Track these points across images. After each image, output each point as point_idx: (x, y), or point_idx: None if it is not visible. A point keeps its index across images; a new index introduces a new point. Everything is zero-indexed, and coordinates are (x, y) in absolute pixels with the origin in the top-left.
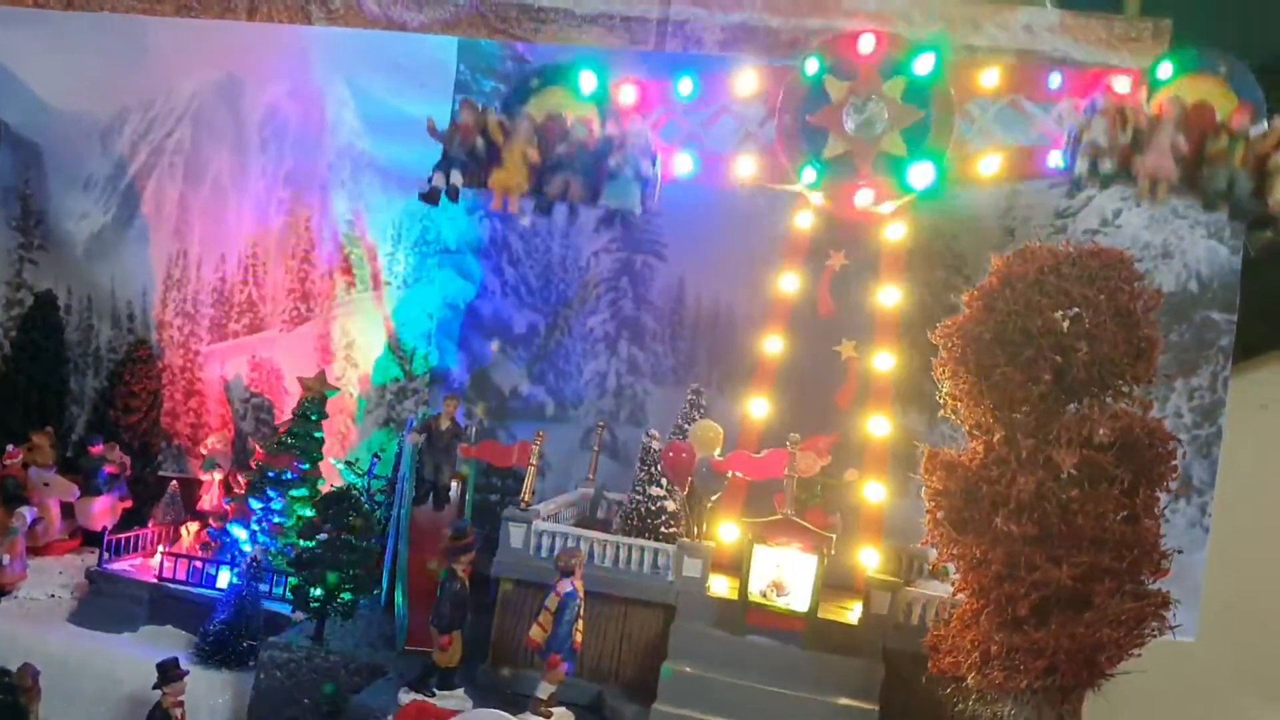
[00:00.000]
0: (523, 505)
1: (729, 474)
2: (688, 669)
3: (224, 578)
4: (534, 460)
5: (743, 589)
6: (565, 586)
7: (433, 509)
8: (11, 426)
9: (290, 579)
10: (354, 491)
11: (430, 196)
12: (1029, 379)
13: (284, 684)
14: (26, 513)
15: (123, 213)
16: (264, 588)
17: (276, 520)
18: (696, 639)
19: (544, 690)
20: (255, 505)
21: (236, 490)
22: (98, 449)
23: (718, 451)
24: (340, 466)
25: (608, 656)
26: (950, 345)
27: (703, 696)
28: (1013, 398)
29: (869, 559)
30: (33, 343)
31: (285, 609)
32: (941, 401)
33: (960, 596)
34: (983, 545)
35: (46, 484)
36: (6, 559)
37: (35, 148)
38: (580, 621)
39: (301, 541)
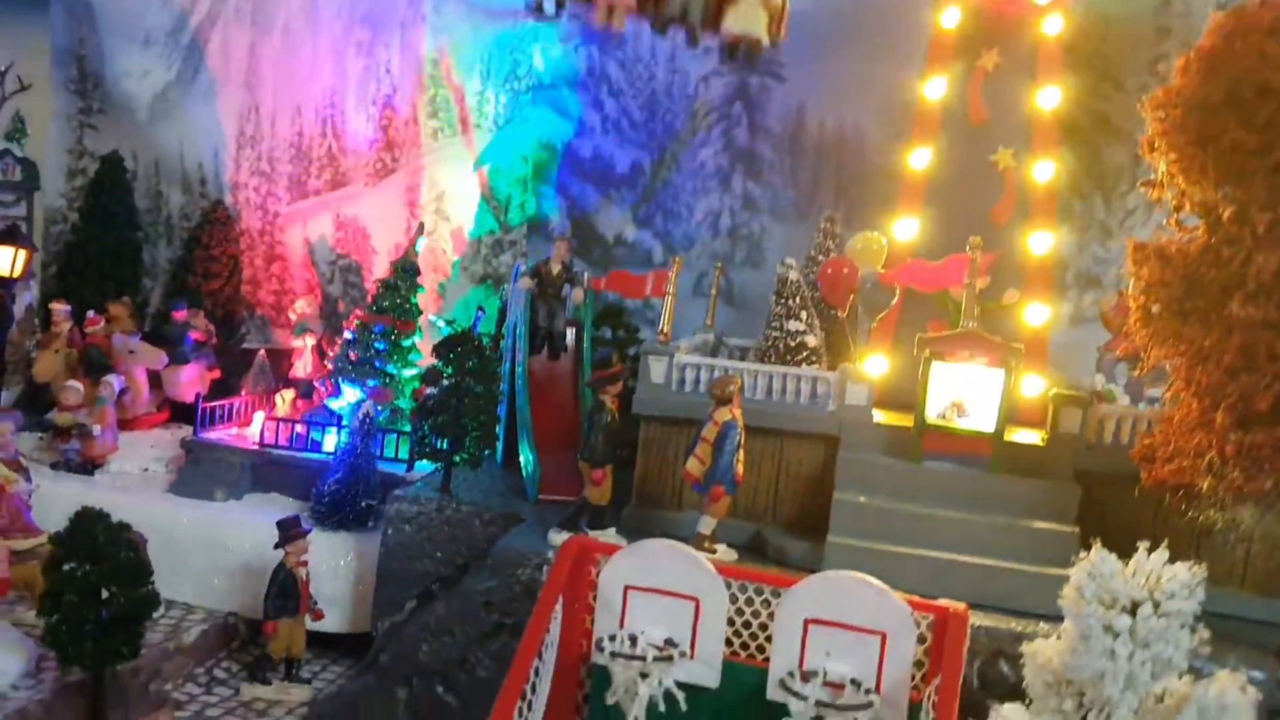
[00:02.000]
0: (661, 338)
1: (895, 288)
2: (862, 499)
3: (331, 440)
4: (670, 289)
5: (919, 411)
6: (724, 415)
7: (548, 359)
8: (85, 298)
9: (403, 438)
10: (474, 334)
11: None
12: (1265, 143)
13: (414, 538)
14: (114, 381)
15: (187, 68)
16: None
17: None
18: (867, 469)
19: (706, 525)
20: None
21: (329, 355)
22: (181, 314)
23: (882, 265)
24: (440, 325)
25: (764, 494)
26: (1166, 115)
27: (881, 527)
28: (1244, 166)
29: (1032, 386)
30: (102, 207)
31: (399, 469)
32: (1147, 187)
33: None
34: (1212, 337)
35: (132, 351)
36: (97, 429)
37: (88, 5)
38: (741, 452)
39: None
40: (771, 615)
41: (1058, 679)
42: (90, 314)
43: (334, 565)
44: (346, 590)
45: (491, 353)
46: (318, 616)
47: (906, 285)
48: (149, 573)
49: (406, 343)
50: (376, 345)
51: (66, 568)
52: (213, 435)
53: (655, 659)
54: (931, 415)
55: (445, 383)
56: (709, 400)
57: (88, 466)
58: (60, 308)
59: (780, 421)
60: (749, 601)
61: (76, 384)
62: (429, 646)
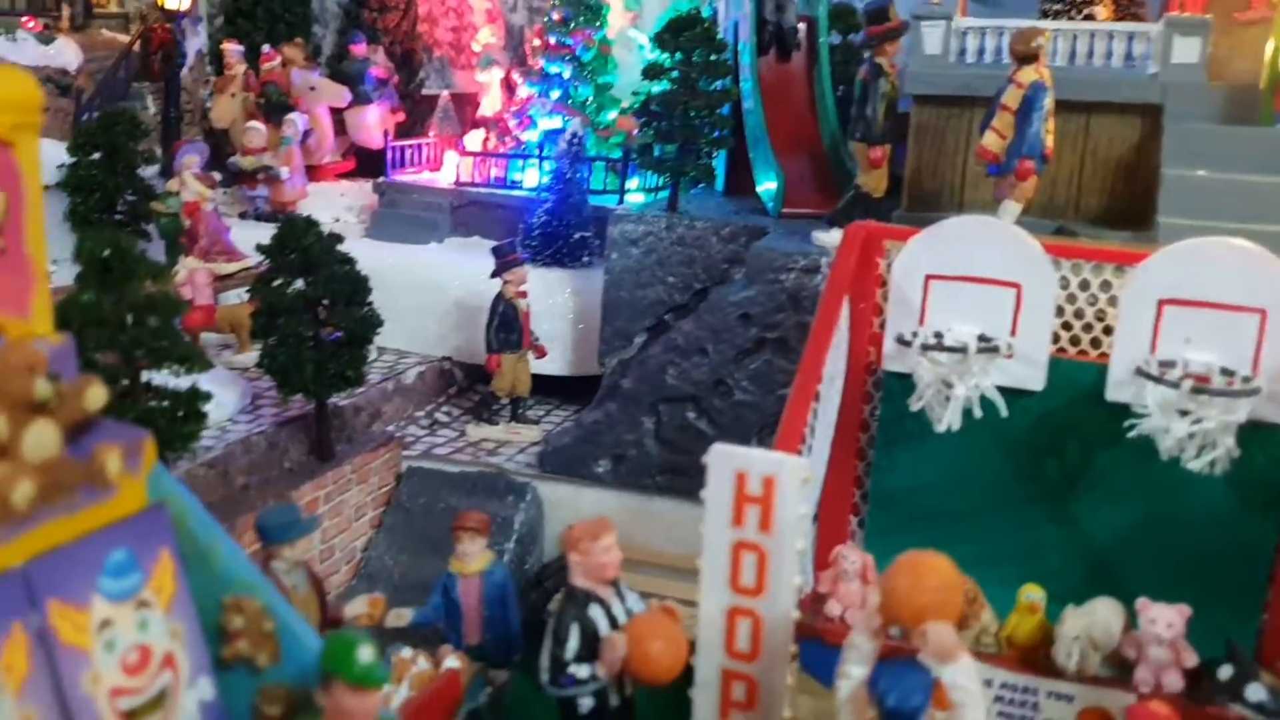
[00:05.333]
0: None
1: None
2: (1200, 172)
3: (532, 176)
4: None
5: (1272, 62)
6: (1028, 75)
7: (777, 60)
8: (255, 43)
9: (611, 172)
10: (703, 17)
11: None
12: None
13: (642, 261)
14: (298, 120)
15: None
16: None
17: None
18: (1202, 138)
19: (1009, 212)
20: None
21: (518, 87)
22: (359, 48)
23: None
24: (640, 45)
25: (1064, 184)
26: None
27: (1227, 205)
28: None
29: None
30: None
31: (610, 201)
32: None
33: None
34: None
35: (313, 88)
36: (284, 172)
37: None
38: (1051, 121)
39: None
40: (1112, 300)
41: None
42: (266, 49)
43: (551, 303)
44: (566, 330)
45: (722, 41)
46: (540, 353)
47: None
48: (367, 290)
49: (589, 55)
50: (553, 67)
51: (278, 283)
52: (405, 177)
53: (980, 350)
54: None
55: (671, 76)
56: (1003, 67)
57: (277, 215)
58: (233, 47)
59: (1085, 91)
60: (1083, 285)
61: (258, 124)
62: (676, 369)
